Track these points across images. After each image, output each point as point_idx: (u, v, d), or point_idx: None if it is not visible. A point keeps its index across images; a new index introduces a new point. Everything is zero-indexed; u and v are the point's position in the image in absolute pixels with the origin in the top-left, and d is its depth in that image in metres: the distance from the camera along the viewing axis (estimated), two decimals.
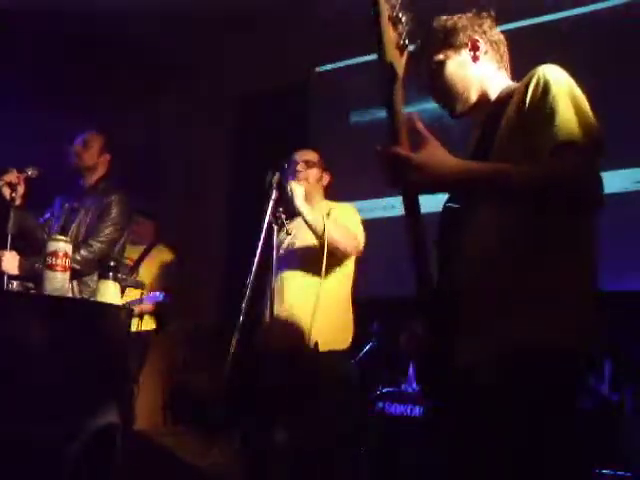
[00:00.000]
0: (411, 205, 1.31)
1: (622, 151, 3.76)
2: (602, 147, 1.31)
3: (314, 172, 3.02)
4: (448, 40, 1.56)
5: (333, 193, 3.12)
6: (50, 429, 1.83)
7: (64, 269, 2.17)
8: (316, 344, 2.71)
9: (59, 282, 2.15)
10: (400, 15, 1.26)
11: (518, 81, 1.50)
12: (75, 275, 2.79)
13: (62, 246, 2.19)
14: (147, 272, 4.18)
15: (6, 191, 2.79)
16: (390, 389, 3.54)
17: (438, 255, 1.49)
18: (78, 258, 2.83)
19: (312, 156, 3.07)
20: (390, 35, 1.26)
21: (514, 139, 1.38)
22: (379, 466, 3.30)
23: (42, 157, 3.05)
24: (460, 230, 1.43)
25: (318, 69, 5.22)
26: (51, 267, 2.15)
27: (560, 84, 1.34)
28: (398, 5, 1.27)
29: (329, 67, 5.20)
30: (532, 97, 1.37)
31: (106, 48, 4.72)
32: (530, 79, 1.39)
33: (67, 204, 3.17)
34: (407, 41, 1.29)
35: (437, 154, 1.24)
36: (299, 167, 2.99)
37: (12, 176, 2.80)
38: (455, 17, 1.59)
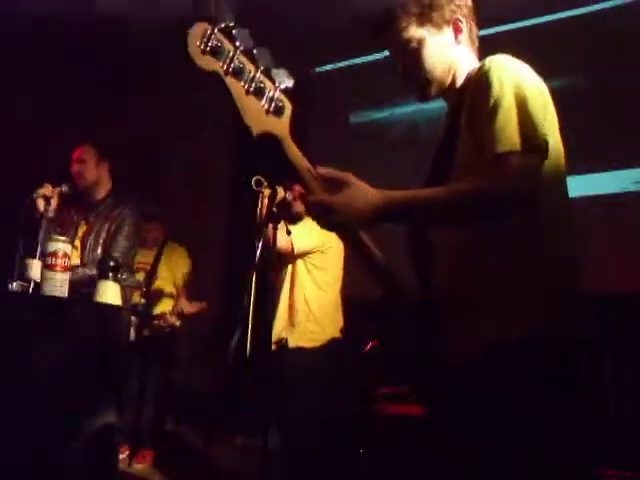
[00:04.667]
0: (355, 242, 1.34)
1: (622, 151, 3.76)
2: (543, 150, 1.25)
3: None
4: (427, 16, 1.45)
5: None
6: (50, 429, 1.84)
7: (64, 269, 2.17)
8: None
9: (59, 282, 2.15)
10: (261, 84, 1.23)
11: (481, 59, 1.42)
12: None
13: (62, 246, 2.19)
14: (168, 273, 4.30)
15: (41, 203, 2.91)
16: (390, 389, 3.53)
17: (413, 260, 1.49)
18: None
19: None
20: (255, 108, 1.24)
21: (471, 134, 1.33)
22: (379, 466, 3.30)
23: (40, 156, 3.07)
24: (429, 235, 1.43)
25: (318, 69, 5.21)
26: (51, 267, 2.15)
27: (504, 81, 1.27)
28: (257, 74, 1.23)
29: (329, 67, 5.19)
30: (476, 94, 1.32)
31: (106, 48, 4.72)
32: (478, 73, 1.34)
33: (75, 217, 3.21)
34: (282, 102, 1.26)
35: (359, 191, 1.25)
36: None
37: (47, 190, 2.95)
38: None
